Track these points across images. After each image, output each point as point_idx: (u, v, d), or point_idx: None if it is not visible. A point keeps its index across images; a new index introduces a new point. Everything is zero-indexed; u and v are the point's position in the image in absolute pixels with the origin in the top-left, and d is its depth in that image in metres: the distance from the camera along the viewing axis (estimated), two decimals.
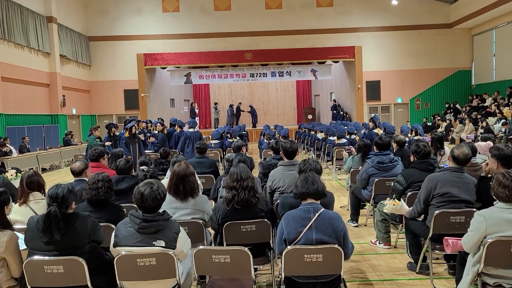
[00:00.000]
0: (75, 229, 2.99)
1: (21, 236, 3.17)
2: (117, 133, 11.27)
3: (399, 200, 4.42)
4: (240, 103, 25.73)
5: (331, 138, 12.15)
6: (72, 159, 13.48)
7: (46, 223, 2.89)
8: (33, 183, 3.88)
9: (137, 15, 21.68)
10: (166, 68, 22.56)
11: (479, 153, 5.05)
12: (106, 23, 21.64)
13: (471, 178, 4.07)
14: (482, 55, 21.30)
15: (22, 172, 4.29)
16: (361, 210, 6.49)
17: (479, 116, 17.69)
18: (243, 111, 25.13)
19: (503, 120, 15.58)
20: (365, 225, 6.34)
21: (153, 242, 2.95)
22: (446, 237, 3.70)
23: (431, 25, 21.67)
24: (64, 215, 2.98)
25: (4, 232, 3.09)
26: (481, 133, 13.75)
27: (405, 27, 21.70)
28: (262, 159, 9.38)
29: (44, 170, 14.56)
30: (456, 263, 3.65)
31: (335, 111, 23.61)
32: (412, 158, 4.94)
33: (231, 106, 24.96)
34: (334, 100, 24.45)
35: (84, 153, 12.26)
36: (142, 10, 21.67)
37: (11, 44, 15.58)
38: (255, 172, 6.80)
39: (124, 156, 5.56)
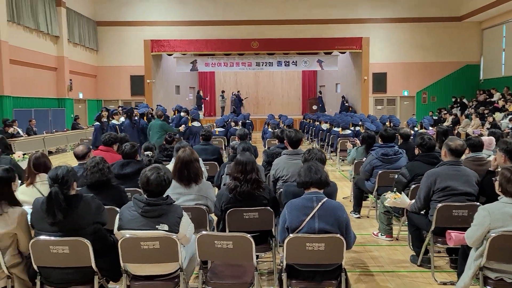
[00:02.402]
0: (79, 211, 3.02)
1: (29, 211, 3.21)
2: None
3: (400, 193, 4.41)
4: (238, 91, 25.81)
5: (335, 129, 12.13)
6: (78, 143, 13.43)
7: (48, 204, 2.94)
8: (40, 165, 3.93)
9: (144, 0, 21.55)
10: (172, 54, 22.48)
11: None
12: (113, 8, 21.55)
13: (469, 171, 4.06)
14: (491, 49, 21.04)
15: (29, 154, 4.33)
16: (363, 202, 6.51)
17: (486, 111, 17.55)
18: (242, 99, 25.39)
19: (510, 116, 15.46)
20: (368, 217, 6.35)
21: (156, 226, 2.98)
22: (448, 231, 3.70)
23: (441, 17, 21.39)
24: (67, 196, 3.01)
25: (14, 209, 3.14)
26: (487, 129, 13.67)
27: (413, 19, 21.44)
28: (266, 147, 9.39)
29: (50, 153, 14.63)
30: (458, 256, 3.64)
31: (320, 104, 24.06)
32: (416, 151, 4.93)
33: (233, 94, 25.18)
34: (320, 92, 24.81)
35: (91, 137, 12.17)
36: None
37: (20, 27, 15.58)
38: (259, 161, 6.82)
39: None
